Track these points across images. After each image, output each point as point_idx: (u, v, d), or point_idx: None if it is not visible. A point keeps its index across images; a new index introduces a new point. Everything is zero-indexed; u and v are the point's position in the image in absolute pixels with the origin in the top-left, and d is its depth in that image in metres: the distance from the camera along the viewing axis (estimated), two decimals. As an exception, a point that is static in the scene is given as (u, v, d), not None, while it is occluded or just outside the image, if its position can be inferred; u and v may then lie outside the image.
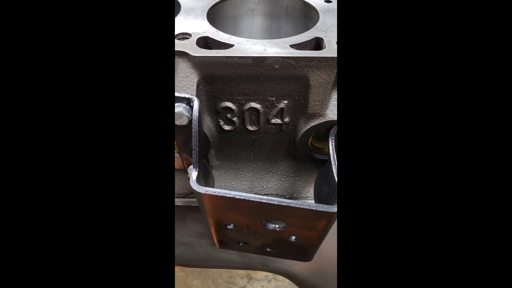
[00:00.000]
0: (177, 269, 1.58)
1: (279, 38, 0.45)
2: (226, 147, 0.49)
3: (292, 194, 0.54)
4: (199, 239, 0.60)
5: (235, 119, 0.45)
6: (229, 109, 0.44)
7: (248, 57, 0.38)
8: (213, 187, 0.48)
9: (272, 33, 0.58)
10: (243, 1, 0.55)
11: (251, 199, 0.35)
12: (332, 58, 0.37)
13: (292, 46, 0.40)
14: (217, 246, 0.50)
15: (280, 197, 0.55)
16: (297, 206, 0.34)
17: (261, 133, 0.47)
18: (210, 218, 0.41)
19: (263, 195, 0.54)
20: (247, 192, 0.54)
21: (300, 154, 0.48)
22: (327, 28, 0.44)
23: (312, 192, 0.54)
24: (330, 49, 0.39)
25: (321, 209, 0.34)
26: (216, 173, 0.53)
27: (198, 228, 0.59)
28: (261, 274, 1.61)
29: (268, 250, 0.47)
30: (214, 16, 0.50)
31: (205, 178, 0.44)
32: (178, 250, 0.61)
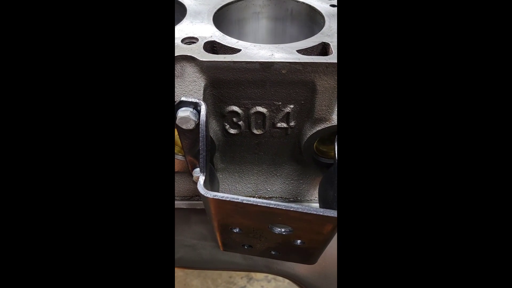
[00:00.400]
0: (177, 269, 1.58)
1: (284, 41, 0.45)
2: (232, 150, 0.49)
3: (296, 197, 0.54)
4: (202, 241, 0.60)
5: (241, 123, 0.45)
6: (235, 113, 0.44)
7: (256, 62, 0.38)
8: (218, 190, 0.49)
9: (276, 36, 0.58)
10: (249, 4, 0.55)
11: (258, 204, 0.35)
12: None
13: (298, 51, 0.40)
14: (221, 249, 0.50)
15: (284, 200, 0.55)
16: (304, 211, 0.34)
17: (267, 137, 0.47)
18: (216, 222, 0.41)
19: (267, 198, 0.55)
20: (251, 195, 0.55)
21: (305, 158, 0.48)
22: (333, 33, 0.44)
23: (316, 195, 0.54)
24: (337, 55, 0.39)
25: (328, 214, 0.34)
26: (221, 176, 0.53)
27: (202, 230, 0.59)
28: (260, 274, 1.61)
29: (273, 253, 0.47)
30: (219, 19, 0.50)
31: (211, 182, 0.44)
32: (181, 252, 0.61)
